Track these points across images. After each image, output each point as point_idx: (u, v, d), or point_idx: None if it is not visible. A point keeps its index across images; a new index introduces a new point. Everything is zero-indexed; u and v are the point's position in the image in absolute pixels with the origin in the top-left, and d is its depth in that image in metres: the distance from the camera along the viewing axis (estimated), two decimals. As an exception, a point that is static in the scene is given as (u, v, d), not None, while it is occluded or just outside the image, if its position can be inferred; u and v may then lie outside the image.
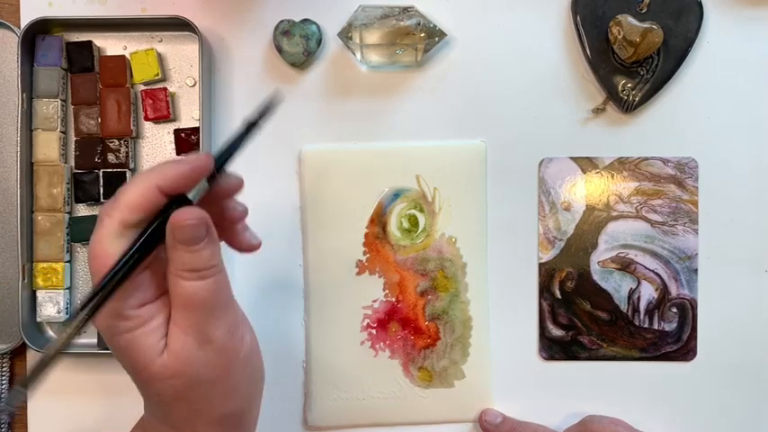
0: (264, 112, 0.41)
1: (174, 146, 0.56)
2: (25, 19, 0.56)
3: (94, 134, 0.56)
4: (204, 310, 0.39)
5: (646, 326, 0.56)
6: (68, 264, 0.56)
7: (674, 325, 0.56)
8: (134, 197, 0.38)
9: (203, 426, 0.41)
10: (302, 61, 0.55)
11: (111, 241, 0.38)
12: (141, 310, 0.39)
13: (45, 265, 0.55)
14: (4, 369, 0.57)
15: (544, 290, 0.57)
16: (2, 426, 0.57)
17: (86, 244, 0.57)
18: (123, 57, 0.56)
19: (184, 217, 0.38)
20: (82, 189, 0.56)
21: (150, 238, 0.38)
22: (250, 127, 0.42)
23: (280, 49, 0.55)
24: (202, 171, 0.40)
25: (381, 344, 0.57)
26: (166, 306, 0.40)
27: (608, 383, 0.57)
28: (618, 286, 0.56)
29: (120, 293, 0.38)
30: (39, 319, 0.56)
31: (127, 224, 0.38)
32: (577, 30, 0.56)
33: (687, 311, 0.56)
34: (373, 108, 0.57)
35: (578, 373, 0.57)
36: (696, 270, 0.56)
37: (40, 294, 0.55)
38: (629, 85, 0.55)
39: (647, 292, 0.56)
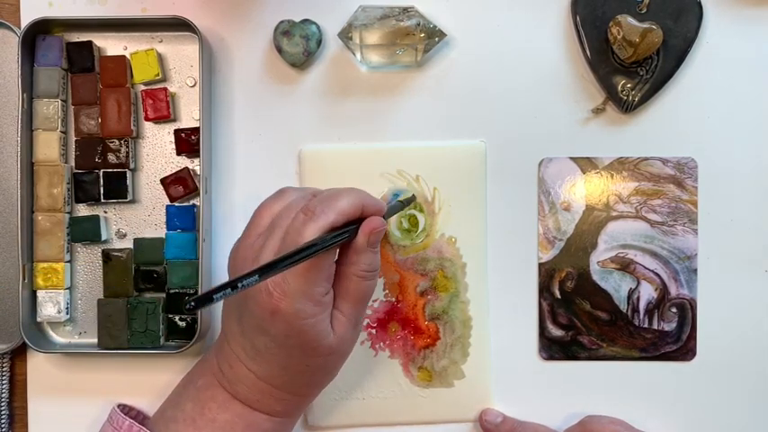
0: (409, 201, 0.55)
1: (174, 146, 0.56)
2: (25, 19, 0.56)
3: (95, 134, 0.56)
4: (366, 303, 0.48)
5: (645, 326, 0.56)
6: (68, 264, 0.56)
7: (674, 325, 0.56)
8: (347, 207, 0.46)
9: (317, 390, 0.51)
10: (302, 61, 0.55)
11: (313, 233, 0.44)
12: (326, 298, 0.45)
13: (45, 265, 0.55)
14: (4, 369, 0.57)
15: (544, 290, 0.57)
16: (2, 426, 0.57)
17: (87, 244, 0.57)
18: (123, 57, 0.56)
19: (380, 222, 0.47)
20: (82, 189, 0.56)
21: (339, 237, 0.45)
22: (405, 203, 0.55)
23: (280, 50, 0.55)
24: (382, 211, 0.49)
25: (381, 344, 0.57)
26: (332, 298, 0.47)
27: (608, 383, 0.57)
28: (617, 286, 0.56)
29: (314, 281, 0.44)
30: (39, 319, 0.56)
31: (334, 225, 0.45)
32: (577, 30, 0.56)
33: (687, 311, 0.56)
34: (373, 108, 0.57)
35: (578, 373, 0.57)
36: (696, 270, 0.56)
37: (40, 294, 0.55)
38: (629, 85, 0.55)
39: (647, 292, 0.56)
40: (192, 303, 0.34)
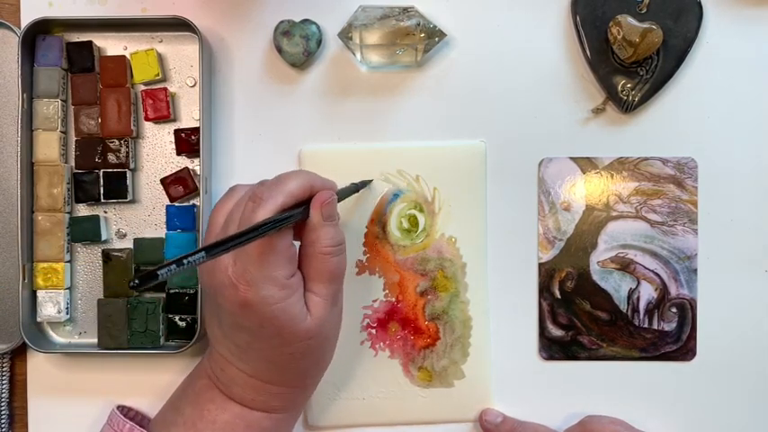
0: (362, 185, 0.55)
1: (174, 146, 0.56)
2: (25, 19, 0.56)
3: (95, 134, 0.56)
4: (340, 280, 0.48)
5: (645, 326, 0.56)
6: (68, 264, 0.56)
7: (674, 325, 0.56)
8: (294, 188, 0.46)
9: (311, 380, 0.51)
10: (302, 61, 0.55)
11: (263, 218, 0.44)
12: (292, 281, 0.45)
13: (45, 265, 0.55)
14: (4, 369, 0.57)
15: (544, 290, 0.57)
16: (2, 426, 0.57)
17: (87, 244, 0.57)
18: (123, 57, 0.56)
19: (328, 194, 0.47)
20: (82, 189, 0.56)
21: (288, 216, 0.45)
22: (359, 186, 0.54)
23: (280, 50, 0.55)
24: (333, 188, 0.49)
25: (381, 344, 0.57)
26: (301, 281, 0.47)
27: (608, 383, 0.57)
28: (617, 286, 0.56)
29: (274, 264, 0.44)
30: (39, 319, 0.56)
31: (283, 207, 0.45)
32: (577, 30, 0.56)
33: (687, 311, 0.56)
34: (373, 108, 0.57)
35: (578, 373, 0.57)
36: (696, 270, 0.56)
37: (40, 294, 0.55)
38: (629, 85, 0.55)
39: (647, 292, 0.56)
40: (137, 281, 0.34)
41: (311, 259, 0.47)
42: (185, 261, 0.36)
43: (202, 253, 0.38)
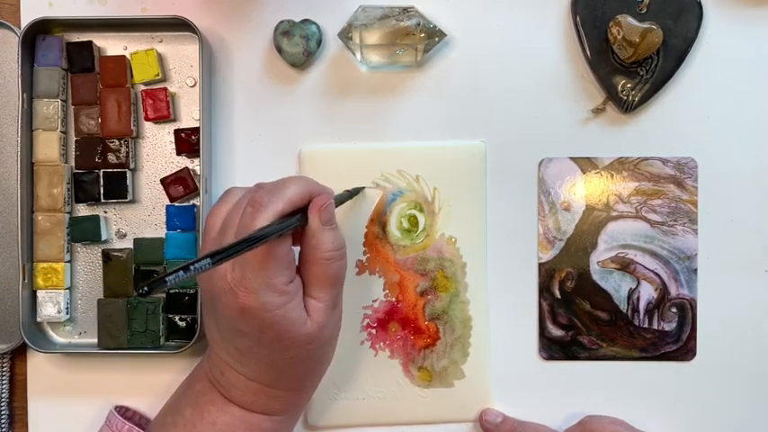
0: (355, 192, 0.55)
1: (174, 146, 0.56)
2: (25, 19, 0.56)
3: (95, 134, 0.56)
4: (340, 284, 0.48)
5: (645, 326, 0.56)
6: (68, 264, 0.56)
7: (674, 325, 0.56)
8: (294, 194, 0.46)
9: (310, 383, 0.50)
10: (302, 61, 0.55)
11: (263, 223, 0.44)
12: (290, 286, 0.45)
13: (45, 265, 0.55)
14: (4, 369, 0.57)
15: (544, 290, 0.57)
16: (2, 426, 0.57)
17: (87, 244, 0.57)
18: (123, 57, 0.56)
19: (325, 198, 0.47)
20: (82, 189, 0.56)
21: (289, 223, 0.45)
22: (352, 193, 0.55)
23: (280, 50, 0.55)
24: (330, 196, 0.49)
25: (381, 344, 0.57)
26: (300, 286, 0.46)
27: (608, 383, 0.57)
28: (617, 286, 0.56)
29: (273, 270, 0.44)
30: (39, 319, 0.56)
31: (283, 213, 0.45)
32: (577, 30, 0.56)
33: (687, 311, 0.56)
34: (373, 108, 0.57)
35: (578, 373, 0.57)
36: (696, 270, 0.56)
37: (40, 294, 0.55)
38: (629, 85, 0.55)
39: (647, 292, 0.56)
40: (146, 288, 0.34)
41: (312, 265, 0.47)
42: (192, 267, 0.37)
43: (208, 260, 0.38)
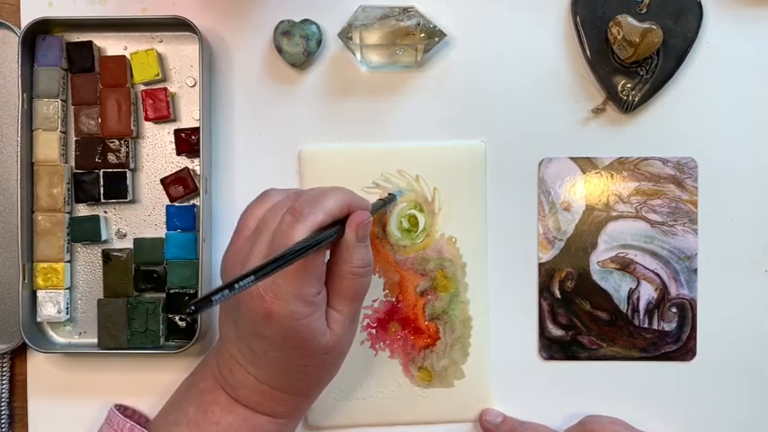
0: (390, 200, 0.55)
1: (174, 146, 0.56)
2: (25, 19, 0.56)
3: (95, 134, 0.56)
4: (361, 300, 0.48)
5: (645, 326, 0.56)
6: (68, 264, 0.56)
7: (674, 325, 0.56)
8: (334, 206, 0.46)
9: (318, 390, 0.51)
10: (302, 61, 0.55)
11: (302, 234, 0.44)
12: (318, 298, 0.45)
13: (45, 265, 0.55)
14: (4, 369, 0.57)
15: (544, 290, 0.57)
16: (2, 426, 0.57)
17: (87, 244, 0.57)
18: (123, 57, 0.56)
19: (365, 216, 0.47)
20: (82, 189, 0.56)
21: (328, 236, 0.45)
22: (386, 201, 0.55)
23: (280, 50, 0.55)
24: (368, 208, 0.49)
25: (381, 344, 0.57)
26: (326, 297, 0.46)
27: (608, 383, 0.57)
28: (617, 286, 0.56)
29: (305, 281, 0.44)
30: (39, 319, 0.56)
31: (322, 225, 0.45)
32: (577, 30, 0.56)
33: (687, 311, 0.56)
34: (373, 108, 0.57)
35: (578, 373, 0.57)
36: (696, 270, 0.56)
37: (40, 294, 0.55)
38: (629, 85, 0.55)
39: (647, 292, 0.56)
40: (193, 308, 0.34)
41: (339, 277, 0.47)
42: (236, 286, 0.37)
43: (251, 277, 0.38)
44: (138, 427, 0.50)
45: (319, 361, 0.47)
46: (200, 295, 0.55)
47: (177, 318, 0.56)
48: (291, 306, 0.44)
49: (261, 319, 0.44)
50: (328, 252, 0.47)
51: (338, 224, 0.46)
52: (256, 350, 0.46)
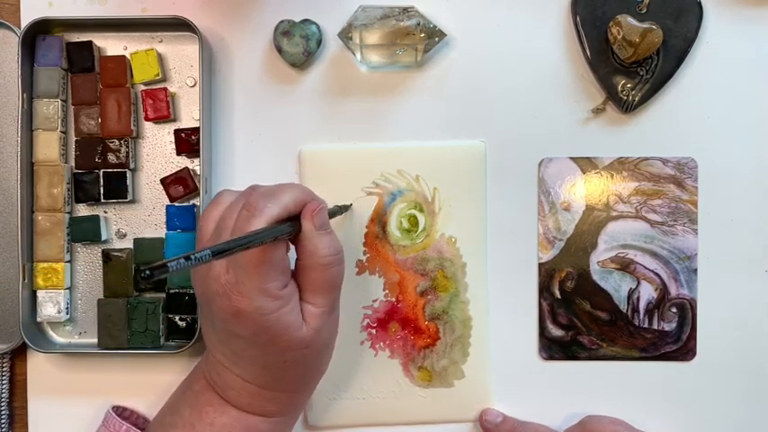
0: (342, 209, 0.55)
1: (174, 146, 0.56)
2: (25, 19, 0.56)
3: (95, 134, 0.56)
4: (337, 290, 0.48)
5: (645, 326, 0.56)
6: (68, 264, 0.56)
7: (674, 325, 0.56)
8: (289, 201, 0.46)
9: (307, 385, 0.50)
10: (302, 61, 0.55)
11: (258, 227, 0.44)
12: (284, 291, 0.45)
13: (45, 265, 0.55)
14: (4, 369, 0.57)
15: (544, 290, 0.57)
16: (2, 426, 0.57)
17: (87, 244, 0.57)
18: (123, 57, 0.56)
19: (317, 203, 0.47)
20: (82, 189, 0.56)
21: (285, 228, 0.45)
22: (342, 209, 0.55)
23: (280, 50, 0.55)
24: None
25: (381, 344, 0.57)
26: (295, 290, 0.46)
27: (608, 383, 0.57)
28: (617, 286, 0.56)
29: (267, 276, 0.44)
30: (39, 319, 0.56)
31: (278, 219, 0.45)
32: (577, 30, 0.56)
33: (687, 311, 0.56)
34: (373, 108, 0.57)
35: (578, 373, 0.57)
36: (696, 270, 0.56)
37: (40, 294, 0.55)
38: (629, 85, 0.55)
39: (647, 292, 0.56)
40: (148, 272, 0.34)
41: (309, 270, 0.47)
42: (193, 257, 0.37)
43: (208, 251, 0.38)
44: (134, 429, 0.50)
45: (299, 355, 0.47)
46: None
47: (177, 318, 0.56)
48: (257, 302, 0.44)
49: (231, 318, 0.45)
50: (293, 248, 0.48)
51: (295, 219, 0.47)
52: (236, 350, 0.47)
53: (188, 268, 0.37)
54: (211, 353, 0.49)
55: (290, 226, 0.46)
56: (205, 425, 0.48)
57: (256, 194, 0.46)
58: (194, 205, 0.56)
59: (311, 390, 0.52)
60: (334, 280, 0.47)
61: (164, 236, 0.56)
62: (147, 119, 0.56)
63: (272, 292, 0.44)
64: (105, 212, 0.57)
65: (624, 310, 0.56)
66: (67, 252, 0.56)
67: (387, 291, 0.57)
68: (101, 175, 0.56)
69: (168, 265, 0.35)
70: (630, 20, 0.53)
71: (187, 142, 0.56)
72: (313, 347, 0.47)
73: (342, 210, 0.55)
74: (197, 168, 0.56)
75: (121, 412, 0.55)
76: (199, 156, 0.55)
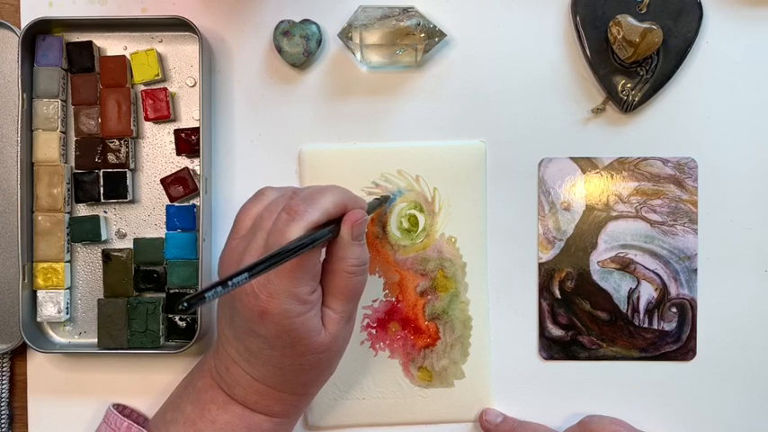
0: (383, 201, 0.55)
1: (174, 146, 0.56)
2: (25, 19, 0.56)
3: (95, 134, 0.56)
4: (357, 298, 0.48)
5: (645, 326, 0.56)
6: (68, 264, 0.56)
7: (674, 325, 0.56)
8: (330, 205, 0.46)
9: (314, 389, 0.51)
10: (302, 61, 0.55)
11: (297, 233, 0.44)
12: (312, 296, 0.45)
13: (45, 265, 0.55)
14: (4, 369, 0.57)
15: (544, 290, 0.57)
16: (2, 426, 0.57)
17: (87, 244, 0.57)
18: (123, 57, 0.56)
19: (361, 214, 0.47)
20: (82, 189, 0.56)
21: (323, 234, 0.45)
22: (382, 201, 0.55)
23: (280, 50, 0.55)
24: (364, 207, 0.49)
25: (381, 344, 0.57)
26: (320, 296, 0.47)
27: (608, 383, 0.57)
28: (617, 286, 0.56)
29: (299, 280, 0.44)
30: (39, 319, 0.56)
31: (317, 224, 0.45)
32: (577, 30, 0.56)
33: (687, 311, 0.56)
34: (373, 108, 0.57)
35: (578, 373, 0.57)
36: (696, 270, 0.56)
37: (40, 294, 0.55)
38: (629, 85, 0.55)
39: (647, 292, 0.56)
40: (185, 304, 0.34)
41: (335, 276, 0.47)
42: (230, 283, 0.37)
43: (246, 274, 0.38)
44: (135, 425, 0.50)
45: (315, 360, 0.47)
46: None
47: (177, 318, 0.56)
48: (285, 304, 0.44)
49: (256, 318, 0.44)
50: (324, 251, 0.47)
51: (333, 223, 0.46)
52: (252, 348, 0.46)
53: (225, 294, 0.37)
54: (223, 347, 0.48)
55: (330, 231, 0.46)
56: (207, 422, 0.48)
57: (298, 198, 0.46)
58: (194, 205, 0.56)
59: (316, 394, 0.52)
60: (356, 288, 0.47)
61: (164, 236, 0.56)
62: (147, 119, 0.56)
63: (301, 297, 0.44)
64: (105, 212, 0.57)
65: (624, 310, 0.56)
66: (67, 252, 0.56)
67: (387, 291, 0.57)
68: (101, 175, 0.56)
69: (206, 295, 0.35)
70: (630, 20, 0.53)
71: (187, 142, 0.56)
72: (328, 353, 0.47)
73: (382, 202, 0.55)
74: (197, 168, 0.56)
75: (122, 410, 0.55)
76: (199, 156, 0.55)
